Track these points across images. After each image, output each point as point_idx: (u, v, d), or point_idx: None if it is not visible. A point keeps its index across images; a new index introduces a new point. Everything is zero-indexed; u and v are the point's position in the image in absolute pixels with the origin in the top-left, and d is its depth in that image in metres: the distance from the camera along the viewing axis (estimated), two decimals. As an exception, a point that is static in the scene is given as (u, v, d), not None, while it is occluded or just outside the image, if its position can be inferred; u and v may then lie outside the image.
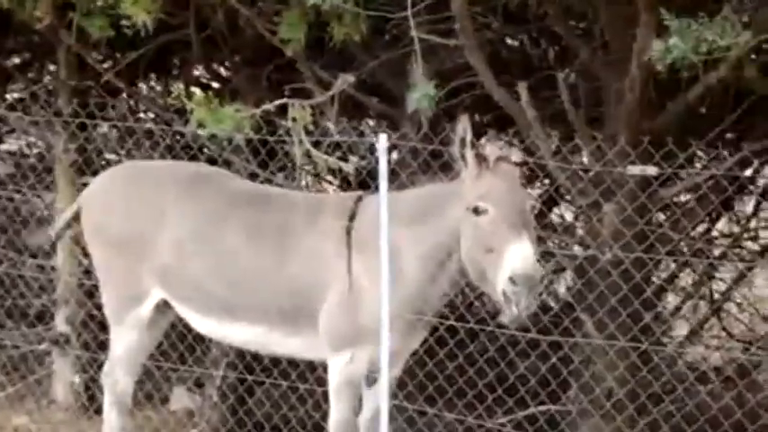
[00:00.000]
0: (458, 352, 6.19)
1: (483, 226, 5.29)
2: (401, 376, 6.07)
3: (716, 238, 8.27)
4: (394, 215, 5.53)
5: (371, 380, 5.86)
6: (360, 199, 5.90)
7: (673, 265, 7.75)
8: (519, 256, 5.14)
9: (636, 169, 5.71)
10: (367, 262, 5.65)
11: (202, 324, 6.14)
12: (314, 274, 5.74)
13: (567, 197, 7.46)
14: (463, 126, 5.40)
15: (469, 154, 5.41)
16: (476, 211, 5.32)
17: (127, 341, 6.31)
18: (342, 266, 5.70)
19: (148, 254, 6.08)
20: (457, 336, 6.07)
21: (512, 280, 5.11)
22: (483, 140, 8.56)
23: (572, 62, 6.73)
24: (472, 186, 5.40)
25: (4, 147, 9.89)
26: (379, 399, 5.62)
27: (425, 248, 5.58)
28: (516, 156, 5.60)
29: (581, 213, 7.23)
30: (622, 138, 6.02)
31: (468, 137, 5.40)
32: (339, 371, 5.76)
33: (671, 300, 8.39)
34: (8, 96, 8.71)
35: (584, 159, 6.37)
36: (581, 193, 6.29)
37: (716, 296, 8.25)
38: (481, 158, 5.40)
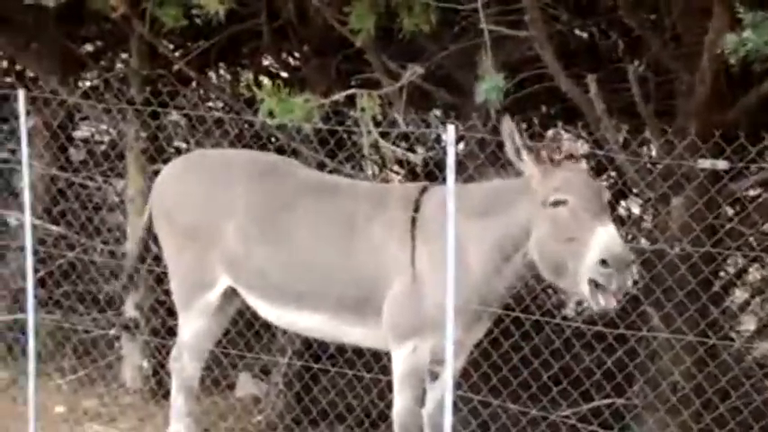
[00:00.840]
0: (522, 344, 6.18)
1: (563, 217, 5.31)
2: (465, 367, 6.08)
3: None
4: (460, 207, 5.54)
5: (434, 375, 5.88)
6: (425, 190, 5.92)
7: (742, 260, 7.67)
8: (608, 238, 5.18)
9: (706, 163, 5.66)
10: (431, 253, 5.67)
11: (268, 311, 6.19)
12: (378, 264, 5.77)
13: (636, 190, 7.41)
14: (508, 125, 5.43)
15: (525, 153, 5.42)
16: (554, 203, 5.33)
17: (195, 327, 6.38)
18: (406, 257, 5.72)
19: (217, 242, 6.14)
20: (522, 327, 6.06)
21: (604, 262, 5.12)
22: (550, 132, 8.58)
23: (642, 54, 6.67)
24: (543, 181, 5.42)
25: (78, 134, 10.01)
26: (444, 390, 5.63)
27: (491, 241, 5.59)
28: (584, 148, 5.60)
29: (649, 207, 7.19)
30: (692, 131, 5.97)
31: (517, 136, 5.41)
32: (402, 361, 5.79)
33: (739, 295, 8.30)
34: (82, 84, 8.82)
35: (654, 152, 6.31)
36: (649, 186, 6.26)
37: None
38: (542, 157, 5.42)
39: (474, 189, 5.82)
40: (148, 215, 6.64)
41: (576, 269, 5.25)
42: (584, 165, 5.53)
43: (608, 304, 5.23)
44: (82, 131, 9.98)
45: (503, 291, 5.71)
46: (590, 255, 5.18)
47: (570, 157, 5.48)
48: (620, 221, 7.85)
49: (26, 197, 6.77)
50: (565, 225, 5.29)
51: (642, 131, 6.28)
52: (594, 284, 5.20)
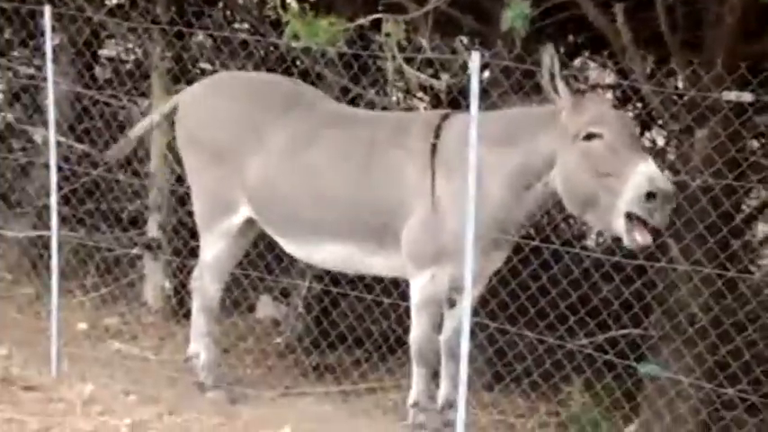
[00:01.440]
0: (541, 272, 6.20)
1: (598, 151, 5.29)
2: (483, 295, 6.10)
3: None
4: (483, 135, 5.52)
5: (451, 302, 5.90)
6: (446, 117, 5.90)
7: (764, 194, 7.64)
8: (652, 172, 5.17)
9: (731, 95, 5.62)
10: (451, 181, 5.67)
11: (288, 244, 6.22)
12: (398, 191, 5.78)
13: (660, 121, 7.37)
14: (550, 56, 5.38)
15: (560, 84, 5.39)
16: (588, 136, 5.29)
17: (216, 249, 6.42)
18: (425, 185, 5.73)
19: (239, 168, 6.16)
20: (541, 256, 6.07)
21: (650, 195, 5.11)
22: (576, 62, 8.53)
23: (671, -17, 6.59)
24: (574, 114, 5.39)
25: (104, 52, 10.00)
26: (461, 317, 5.66)
27: (512, 170, 5.58)
28: (610, 78, 5.57)
29: (673, 138, 7.15)
30: (719, 62, 5.91)
31: (557, 66, 5.37)
32: (421, 288, 5.81)
33: (761, 228, 8.28)
34: (108, 2, 8.80)
35: (679, 84, 6.27)
36: (674, 117, 6.21)
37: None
38: (574, 87, 5.39)
39: (496, 116, 5.80)
40: (165, 111, 6.62)
41: (612, 204, 5.24)
42: (609, 96, 5.50)
43: (644, 240, 5.23)
44: (107, 50, 9.97)
45: (522, 219, 5.71)
46: (631, 189, 5.16)
47: (596, 86, 5.47)
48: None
49: (51, 114, 6.79)
50: (600, 159, 5.28)
51: (668, 62, 6.22)
52: (631, 220, 5.18)
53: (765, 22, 6.09)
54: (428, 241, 5.71)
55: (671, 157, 7.11)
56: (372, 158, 5.87)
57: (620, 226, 5.25)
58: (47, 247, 7.13)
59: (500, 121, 5.73)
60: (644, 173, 5.15)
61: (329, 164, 5.97)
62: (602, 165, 5.26)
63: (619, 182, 5.20)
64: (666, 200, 5.14)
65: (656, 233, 5.24)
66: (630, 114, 7.55)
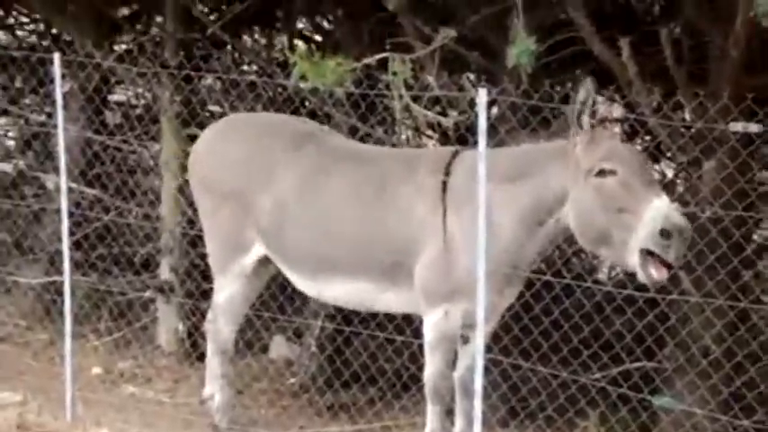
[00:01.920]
0: (553, 307, 6.20)
1: (611, 188, 5.29)
2: (496, 331, 6.10)
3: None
4: (492, 172, 5.54)
5: (465, 339, 5.90)
6: (456, 154, 5.92)
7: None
8: (667, 209, 5.16)
9: (738, 126, 5.64)
10: (462, 218, 5.67)
11: (301, 281, 6.23)
12: (409, 228, 5.79)
13: (668, 154, 7.39)
14: (587, 90, 5.37)
15: (586, 120, 5.40)
16: (601, 173, 5.31)
17: (230, 290, 6.44)
18: (437, 222, 5.74)
19: (251, 208, 6.19)
20: (553, 291, 6.07)
21: (665, 233, 5.10)
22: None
23: (676, 17, 6.63)
24: (588, 149, 5.39)
25: (113, 97, 10.07)
26: (475, 353, 5.66)
27: (523, 206, 5.59)
28: (617, 112, 5.59)
29: (681, 170, 7.17)
30: (725, 94, 5.94)
31: (590, 102, 5.38)
32: (434, 326, 5.81)
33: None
34: (117, 48, 8.87)
35: (686, 116, 6.29)
36: (682, 149, 6.24)
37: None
38: (595, 124, 5.41)
39: (505, 153, 5.81)
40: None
41: (626, 240, 5.23)
42: (617, 130, 5.51)
43: (659, 276, 5.22)
44: (117, 95, 10.04)
45: (534, 255, 5.72)
46: (646, 226, 5.15)
47: (604, 120, 5.48)
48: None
49: (62, 160, 6.83)
50: (614, 195, 5.27)
51: (675, 95, 6.24)
52: (646, 256, 5.19)
53: (769, 53, 6.14)
54: (441, 278, 5.72)
55: (680, 189, 7.11)
56: (383, 195, 5.89)
57: (635, 262, 5.24)
58: (60, 292, 7.15)
59: (510, 158, 5.74)
60: (658, 209, 5.15)
61: (340, 201, 5.99)
62: (616, 201, 5.27)
63: (633, 218, 5.20)
64: (681, 236, 5.13)
65: (671, 268, 5.22)
66: (640, 148, 7.57)
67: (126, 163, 8.47)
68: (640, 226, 5.17)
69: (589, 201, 5.36)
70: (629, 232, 5.22)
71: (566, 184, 5.47)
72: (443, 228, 5.72)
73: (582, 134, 5.41)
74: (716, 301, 5.79)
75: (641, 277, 5.26)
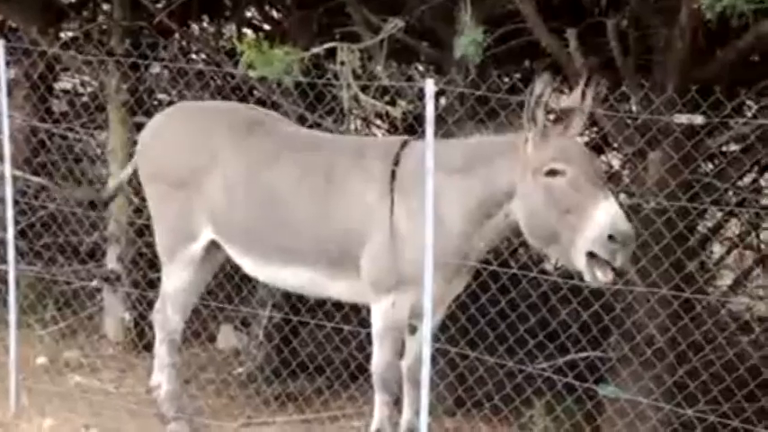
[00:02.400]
0: (500, 297, 6.23)
1: (560, 188, 5.28)
2: (443, 320, 6.12)
3: (763, 188, 8.22)
4: (442, 163, 5.54)
5: (412, 328, 5.92)
6: (405, 143, 5.92)
7: (719, 215, 7.72)
8: (614, 213, 5.16)
9: (683, 118, 5.69)
10: (410, 208, 5.66)
11: (250, 266, 6.21)
12: (357, 217, 5.78)
13: (614, 145, 7.45)
14: (543, 84, 5.34)
15: (541, 115, 5.39)
16: (551, 172, 5.31)
17: (178, 279, 6.41)
18: (385, 211, 5.73)
19: (201, 195, 6.17)
20: (500, 281, 6.10)
21: (611, 238, 5.11)
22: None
23: (623, 9, 6.67)
24: (539, 147, 5.37)
25: (59, 85, 9.98)
26: (422, 343, 5.68)
27: (471, 199, 5.58)
28: (564, 103, 5.60)
29: (627, 161, 7.22)
30: (670, 86, 6.00)
31: (546, 97, 5.36)
32: (382, 315, 5.81)
33: (717, 250, 8.36)
34: (63, 35, 8.78)
35: (632, 107, 6.34)
36: (627, 140, 6.28)
37: (762, 246, 8.21)
38: (551, 122, 5.39)
39: (455, 144, 5.81)
40: (128, 173, 6.69)
41: (573, 241, 5.24)
42: (574, 126, 5.46)
43: (605, 278, 5.23)
44: (63, 83, 9.95)
45: (483, 247, 5.73)
46: (593, 229, 5.16)
47: (559, 118, 5.44)
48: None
49: (6, 148, 6.77)
50: (562, 196, 5.27)
51: (621, 86, 6.29)
52: (592, 258, 5.21)
53: (714, 45, 6.19)
54: (388, 268, 5.72)
55: (626, 179, 7.16)
56: (332, 183, 5.88)
57: (581, 263, 5.26)
58: (4, 281, 7.09)
59: (459, 149, 5.73)
60: (606, 213, 5.15)
61: (289, 187, 5.97)
62: (565, 202, 5.26)
63: (580, 220, 5.20)
64: (627, 241, 5.15)
65: (616, 271, 5.25)
66: (586, 141, 7.63)
67: (72, 151, 8.39)
68: (588, 229, 5.18)
69: (538, 200, 5.36)
70: (577, 234, 5.22)
71: (515, 179, 5.46)
72: (391, 217, 5.71)
73: (534, 130, 5.39)
74: (660, 291, 5.84)
75: (588, 279, 5.27)
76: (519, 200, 5.45)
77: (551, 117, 5.45)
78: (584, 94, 5.42)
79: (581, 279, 5.74)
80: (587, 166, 5.32)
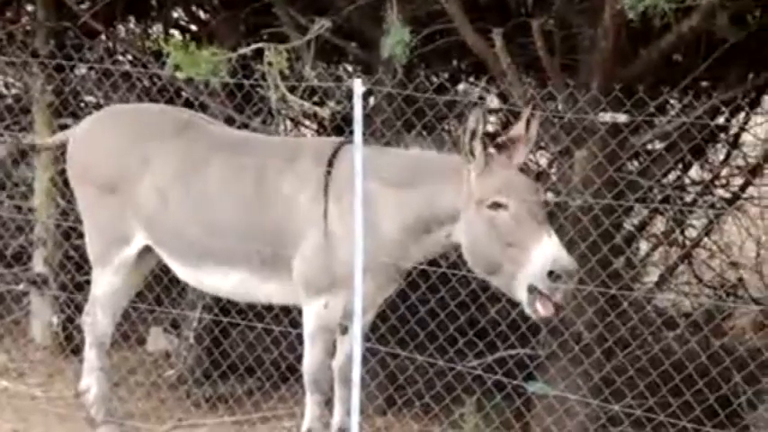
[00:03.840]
0: (430, 296, 6.26)
1: (503, 221, 5.29)
2: (374, 319, 6.14)
3: (687, 185, 8.34)
4: (378, 172, 5.55)
5: (343, 329, 5.93)
6: (340, 145, 5.90)
7: (644, 212, 7.82)
8: (555, 250, 5.20)
9: (607, 116, 5.76)
10: (343, 209, 5.66)
11: (182, 270, 6.19)
12: (290, 219, 5.77)
13: (541, 143, 7.51)
14: (476, 118, 5.33)
15: (478, 148, 5.39)
16: (494, 205, 5.32)
17: (109, 283, 6.37)
18: (318, 213, 5.73)
19: (132, 199, 6.13)
20: (429, 280, 6.13)
21: (552, 275, 5.15)
22: (460, 87, 8.65)
23: (548, 9, 6.74)
24: (482, 179, 5.39)
25: (-18, 87, 9.84)
26: (353, 343, 5.69)
27: (409, 214, 5.57)
28: (492, 103, 5.65)
29: (554, 160, 7.29)
30: (595, 85, 6.07)
31: (480, 130, 5.36)
32: (314, 316, 5.81)
33: (643, 246, 8.47)
34: (-16, 37, 8.67)
35: (558, 106, 6.41)
36: (554, 139, 6.35)
37: (687, 243, 8.33)
38: (489, 153, 5.41)
39: (394, 155, 5.80)
40: (56, 140, 6.69)
41: (514, 274, 5.27)
42: (518, 161, 5.48)
43: (546, 312, 5.27)
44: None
45: (419, 258, 5.74)
46: (534, 265, 5.19)
47: (500, 145, 5.44)
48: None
49: (-72, 152, 6.69)
50: (504, 230, 5.28)
51: (546, 86, 6.35)
52: (533, 292, 5.24)
53: (638, 45, 6.28)
54: (321, 269, 5.72)
55: (553, 178, 7.24)
56: (264, 185, 5.86)
57: (522, 296, 5.29)
58: (-72, 286, 7.01)
59: (400, 161, 5.72)
60: (547, 250, 5.18)
61: (219, 189, 5.95)
62: (507, 235, 5.27)
63: (522, 254, 5.23)
64: (569, 276, 5.20)
65: (558, 305, 5.29)
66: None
67: (-4, 154, 8.28)
68: (529, 263, 5.21)
69: (480, 231, 5.37)
70: (518, 267, 5.25)
71: (458, 205, 5.46)
72: (324, 219, 5.71)
73: (474, 163, 5.39)
74: (588, 288, 5.91)
75: (528, 312, 5.32)
76: (463, 227, 5.46)
77: (495, 145, 5.45)
78: (528, 124, 5.45)
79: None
80: (530, 200, 5.33)
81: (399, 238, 5.62)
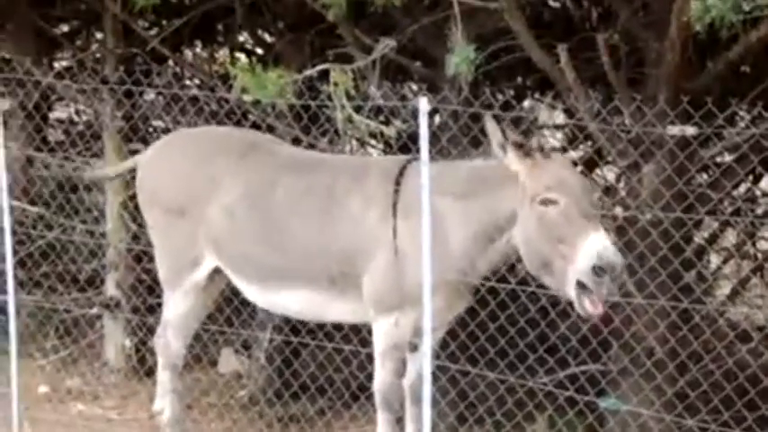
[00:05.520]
0: (499, 312, 6.24)
1: (553, 217, 5.30)
2: (443, 337, 6.14)
3: (758, 197, 8.25)
4: (445, 185, 5.57)
5: (413, 347, 5.93)
6: (407, 164, 5.93)
7: (715, 225, 7.75)
8: (601, 245, 5.18)
9: (675, 129, 5.72)
10: (412, 227, 5.66)
11: (251, 291, 6.22)
12: (359, 238, 5.79)
13: (608, 158, 7.48)
14: (491, 124, 5.43)
15: (510, 150, 5.43)
16: (544, 202, 5.34)
17: (180, 305, 6.42)
18: (387, 231, 5.74)
19: (202, 221, 6.18)
20: (498, 296, 6.12)
21: (596, 270, 5.14)
22: (525, 103, 8.64)
23: (613, 23, 6.72)
24: (532, 176, 5.42)
25: (54, 114, 10.00)
26: (422, 361, 5.69)
27: (474, 224, 5.59)
28: (559, 118, 5.64)
29: (622, 174, 7.25)
30: (662, 98, 6.03)
31: (498, 136, 5.43)
32: (384, 335, 5.82)
33: (714, 260, 8.38)
34: (56, 64, 8.81)
35: (625, 120, 6.38)
36: (621, 154, 6.31)
37: (759, 255, 8.23)
38: (527, 150, 5.43)
39: (458, 168, 5.82)
40: (126, 167, 6.77)
41: (564, 270, 5.27)
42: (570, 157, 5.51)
43: (594, 310, 5.25)
44: (58, 112, 9.98)
45: (485, 270, 5.74)
46: (581, 260, 5.18)
47: (542, 127, 5.50)
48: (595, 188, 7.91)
49: (3, 179, 6.79)
50: (555, 226, 5.29)
51: (613, 100, 6.33)
52: (582, 289, 5.23)
53: (705, 57, 6.23)
54: (390, 287, 5.73)
55: (621, 192, 7.19)
56: (332, 204, 5.89)
57: (572, 293, 5.29)
58: (4, 311, 7.09)
59: (461, 173, 5.75)
60: (594, 245, 5.18)
61: (288, 210, 5.99)
62: (557, 232, 5.29)
63: (571, 250, 5.23)
64: (614, 273, 5.17)
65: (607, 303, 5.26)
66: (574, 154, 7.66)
67: (69, 180, 8.41)
68: (576, 259, 5.21)
69: (532, 228, 5.39)
70: (567, 263, 5.25)
71: (516, 206, 5.48)
72: (394, 237, 5.73)
73: (521, 161, 5.42)
74: (659, 302, 5.86)
75: (577, 308, 5.30)
76: (519, 226, 5.49)
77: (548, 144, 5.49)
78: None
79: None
80: (580, 196, 5.34)
81: (467, 251, 5.63)
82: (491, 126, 5.47)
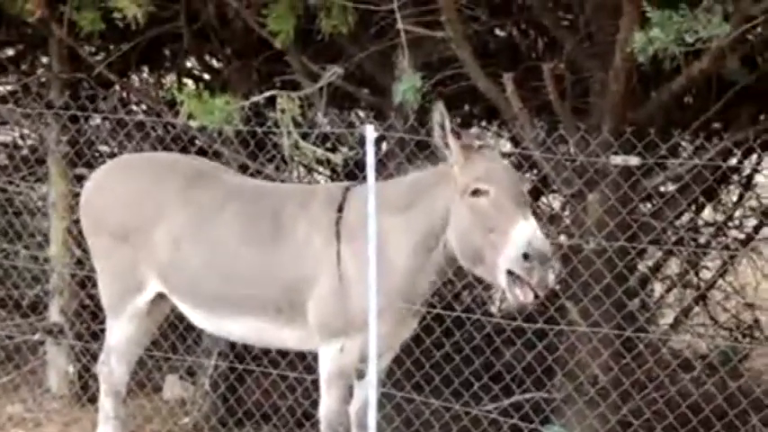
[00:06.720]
0: (444, 340, 6.26)
1: (483, 207, 5.34)
2: (389, 364, 6.14)
3: (701, 227, 8.35)
4: (383, 204, 5.58)
5: (359, 373, 5.92)
6: (348, 189, 5.96)
7: (658, 254, 7.82)
8: (530, 232, 5.21)
9: (618, 159, 5.78)
10: (356, 252, 5.68)
11: (198, 317, 6.19)
12: (304, 264, 5.78)
13: (553, 187, 7.54)
14: (440, 112, 5.45)
15: (451, 139, 5.47)
16: (475, 192, 5.37)
17: (123, 332, 6.37)
18: (331, 257, 5.74)
19: (146, 247, 6.14)
20: (444, 324, 6.14)
21: (526, 256, 5.16)
22: (472, 130, 8.68)
23: (559, 53, 6.79)
24: (464, 170, 5.45)
25: (-2, 138, 9.91)
26: (368, 388, 5.69)
27: (414, 235, 5.62)
28: (503, 146, 5.68)
29: (566, 203, 7.31)
30: (606, 128, 6.10)
31: (447, 122, 5.45)
32: (330, 361, 5.80)
33: (657, 288, 8.46)
34: (1, 88, 8.74)
35: (570, 149, 6.44)
36: (566, 182, 6.37)
37: (701, 284, 8.31)
38: (465, 144, 5.48)
39: (395, 183, 5.86)
40: None
41: (495, 260, 5.29)
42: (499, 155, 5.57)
43: (525, 298, 5.26)
44: (2, 136, 9.89)
45: (428, 285, 5.74)
46: (510, 247, 5.21)
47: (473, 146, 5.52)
48: (538, 217, 7.94)
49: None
50: (485, 215, 5.33)
51: (558, 129, 6.39)
52: (512, 277, 5.27)
53: (649, 88, 6.31)
54: (336, 313, 5.72)
55: (566, 221, 7.25)
56: (276, 232, 5.88)
57: (503, 282, 5.31)
58: (-56, 336, 7.03)
59: (398, 188, 5.79)
60: (523, 233, 5.21)
61: (233, 236, 5.97)
62: (487, 221, 5.32)
63: (500, 239, 5.26)
64: (543, 259, 5.20)
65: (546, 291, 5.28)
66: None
67: (12, 204, 8.33)
68: (506, 247, 5.24)
69: (464, 220, 5.42)
70: (498, 253, 5.27)
71: (448, 204, 5.52)
72: (338, 263, 5.73)
73: (458, 154, 5.45)
74: (602, 331, 5.90)
75: (509, 298, 5.32)
76: (451, 222, 5.51)
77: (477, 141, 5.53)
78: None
79: (525, 320, 5.81)
80: (510, 185, 5.39)
81: (409, 266, 5.63)
82: (438, 116, 5.45)
